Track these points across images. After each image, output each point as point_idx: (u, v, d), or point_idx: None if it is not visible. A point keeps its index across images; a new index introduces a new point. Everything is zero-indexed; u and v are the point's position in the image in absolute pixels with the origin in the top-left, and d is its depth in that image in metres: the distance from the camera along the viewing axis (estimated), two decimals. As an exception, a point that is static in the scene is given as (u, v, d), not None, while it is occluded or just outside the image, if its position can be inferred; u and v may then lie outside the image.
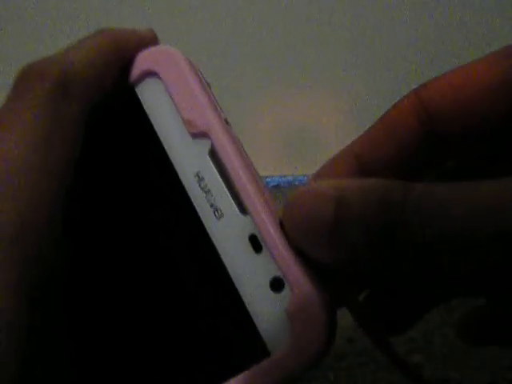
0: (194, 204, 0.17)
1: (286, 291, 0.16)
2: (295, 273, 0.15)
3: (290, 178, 0.57)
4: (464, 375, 0.26)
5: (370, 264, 0.14)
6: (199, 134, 0.17)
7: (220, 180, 0.16)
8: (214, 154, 0.16)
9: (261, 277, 0.16)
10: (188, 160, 0.17)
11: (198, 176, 0.17)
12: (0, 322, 0.13)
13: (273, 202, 0.17)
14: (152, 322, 0.17)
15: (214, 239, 0.16)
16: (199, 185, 0.17)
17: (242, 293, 0.16)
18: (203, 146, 0.17)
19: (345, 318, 0.31)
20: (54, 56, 0.16)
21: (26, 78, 0.16)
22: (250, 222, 0.16)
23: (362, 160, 0.17)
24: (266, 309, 0.16)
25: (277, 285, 0.16)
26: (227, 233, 0.16)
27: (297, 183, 0.56)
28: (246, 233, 0.16)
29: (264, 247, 0.16)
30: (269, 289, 0.16)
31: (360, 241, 0.14)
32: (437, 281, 0.14)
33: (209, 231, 0.16)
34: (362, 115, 0.47)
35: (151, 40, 0.18)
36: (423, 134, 0.17)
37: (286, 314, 0.15)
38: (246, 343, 0.16)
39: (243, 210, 0.16)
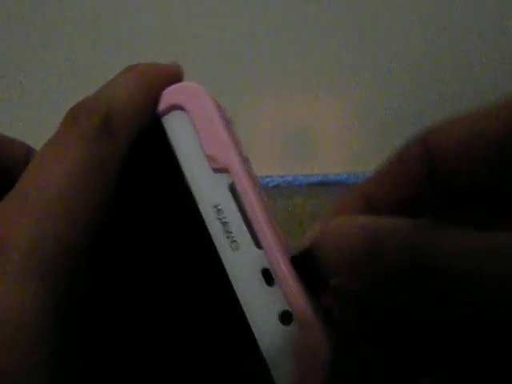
0: (212, 235, 0.17)
1: (293, 325, 0.17)
2: (304, 310, 0.16)
3: (289, 178, 0.57)
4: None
5: (394, 298, 0.15)
6: (220, 169, 0.18)
7: (238, 213, 0.17)
8: (233, 189, 0.17)
9: (271, 309, 0.17)
10: (208, 192, 0.18)
11: (217, 208, 0.18)
12: (32, 334, 0.14)
13: (284, 238, 0.18)
14: (166, 352, 0.18)
15: (228, 270, 0.17)
16: (217, 216, 0.17)
17: (252, 324, 0.17)
18: (224, 181, 0.18)
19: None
20: (97, 94, 0.17)
21: (75, 114, 0.17)
22: (263, 256, 0.17)
23: (370, 202, 0.18)
24: (274, 341, 0.17)
25: (286, 318, 0.17)
26: (242, 265, 0.17)
27: (297, 183, 0.56)
28: (260, 266, 0.17)
29: (276, 281, 0.17)
30: (278, 321, 0.17)
31: (389, 273, 0.15)
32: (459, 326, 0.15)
33: (224, 262, 0.17)
34: (362, 115, 0.47)
35: (178, 74, 0.19)
36: (429, 179, 0.18)
37: (292, 350, 0.16)
38: (255, 376, 0.17)
39: (258, 244, 0.17)
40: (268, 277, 0.17)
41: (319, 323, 0.16)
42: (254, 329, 0.17)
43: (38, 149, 0.17)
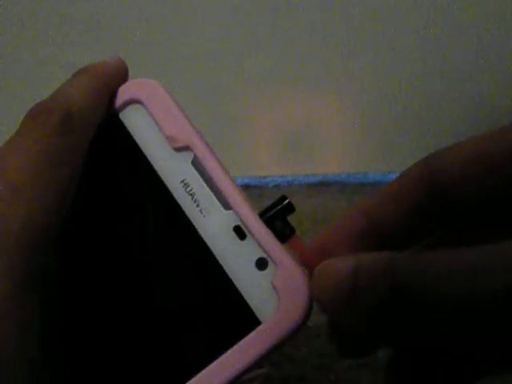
0: (183, 207, 0.19)
1: (270, 269, 0.19)
2: (278, 252, 0.19)
3: (289, 178, 0.57)
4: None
5: (381, 326, 0.16)
6: (182, 148, 0.20)
7: (203, 183, 0.19)
8: (195, 163, 0.20)
9: (247, 259, 0.19)
10: (173, 170, 0.20)
11: (184, 182, 0.19)
12: (8, 321, 0.15)
13: (248, 198, 0.20)
14: (150, 306, 0.19)
15: (202, 234, 0.19)
16: (185, 190, 0.19)
17: (231, 275, 0.19)
18: (186, 158, 0.20)
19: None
20: (54, 95, 0.19)
21: (35, 114, 0.18)
22: (233, 215, 0.19)
23: (371, 219, 0.20)
24: (253, 285, 0.19)
25: (262, 264, 0.19)
26: (214, 227, 0.19)
27: (297, 183, 0.56)
28: (231, 224, 0.19)
29: (248, 234, 0.19)
30: (255, 268, 0.19)
31: (372, 305, 0.16)
32: (439, 344, 0.16)
33: (197, 227, 0.19)
34: (362, 116, 0.48)
35: (124, 70, 0.21)
36: (431, 200, 0.19)
37: (272, 286, 0.18)
38: (239, 317, 0.19)
39: (226, 206, 0.19)
40: (239, 232, 0.19)
41: (294, 260, 0.19)
42: (233, 279, 0.19)
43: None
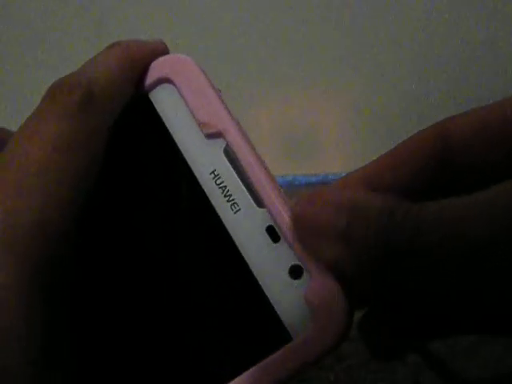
0: (211, 200, 0.17)
1: (304, 278, 0.17)
2: (314, 261, 0.16)
3: (289, 178, 0.57)
4: (463, 375, 0.26)
5: (372, 275, 0.15)
6: (214, 135, 0.18)
7: (236, 176, 0.17)
8: (228, 153, 0.17)
9: (279, 265, 0.17)
10: (203, 159, 0.18)
11: (214, 174, 0.17)
12: (16, 314, 0.14)
13: (285, 196, 0.18)
14: (177, 314, 0.18)
15: (231, 232, 0.17)
16: (215, 182, 0.17)
17: (261, 282, 0.17)
18: (218, 146, 0.18)
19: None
20: (79, 71, 0.17)
21: (56, 90, 0.16)
22: (266, 214, 0.17)
23: (371, 183, 0.18)
24: (285, 296, 0.17)
25: (296, 272, 0.17)
26: (245, 225, 0.17)
27: (296, 183, 0.56)
28: (264, 224, 0.17)
29: (281, 237, 0.17)
30: (288, 276, 0.17)
31: (365, 250, 0.14)
32: (432, 296, 0.15)
33: (226, 225, 0.17)
34: (361, 116, 0.47)
35: (162, 50, 0.19)
36: (440, 163, 0.18)
37: (304, 299, 0.16)
38: (269, 330, 0.17)
39: (259, 203, 0.17)
40: (273, 234, 0.17)
41: (331, 272, 0.16)
42: (263, 286, 0.17)
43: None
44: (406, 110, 0.47)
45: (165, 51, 0.19)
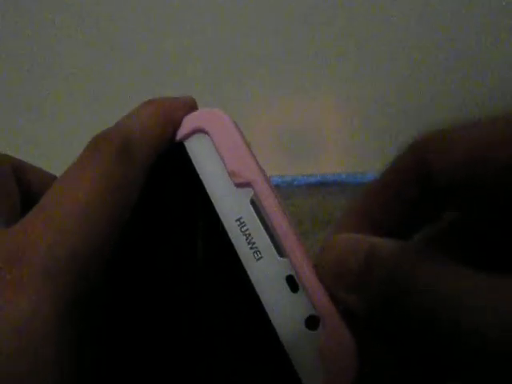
0: (236, 247, 0.18)
1: (320, 330, 0.17)
2: (330, 313, 0.17)
3: (289, 178, 0.57)
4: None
5: (381, 316, 0.16)
6: (242, 184, 0.19)
7: (260, 225, 0.18)
8: (255, 202, 0.19)
9: (297, 315, 0.18)
10: (231, 207, 0.19)
11: (240, 221, 0.18)
12: (55, 345, 0.15)
13: (304, 246, 0.18)
14: (196, 358, 0.18)
15: (252, 278, 0.18)
16: (240, 229, 0.18)
17: (278, 330, 0.18)
18: (245, 195, 0.19)
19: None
20: (117, 125, 0.19)
21: (95, 142, 0.18)
22: (287, 263, 0.18)
23: (370, 216, 0.19)
24: (300, 345, 0.17)
25: (312, 323, 0.17)
26: (266, 273, 0.18)
27: (296, 183, 0.56)
28: (284, 273, 0.18)
29: (300, 287, 0.18)
30: (304, 326, 0.17)
31: (377, 292, 0.16)
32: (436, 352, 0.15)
33: (248, 271, 0.18)
34: (361, 116, 0.48)
35: (192, 105, 0.21)
36: (424, 191, 0.19)
37: (319, 351, 0.17)
38: (283, 378, 0.17)
39: (281, 252, 0.18)
40: (292, 283, 0.18)
41: (345, 325, 0.17)
42: (280, 335, 0.17)
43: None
44: (404, 110, 0.47)
45: (194, 106, 0.20)
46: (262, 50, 0.46)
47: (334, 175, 0.55)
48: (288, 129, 0.48)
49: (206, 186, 0.19)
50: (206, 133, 0.19)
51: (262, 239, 0.18)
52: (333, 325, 0.17)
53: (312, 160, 0.50)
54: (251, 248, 0.18)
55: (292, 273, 0.18)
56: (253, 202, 0.18)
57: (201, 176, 0.19)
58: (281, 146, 0.49)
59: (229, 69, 0.47)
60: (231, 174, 0.19)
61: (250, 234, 0.18)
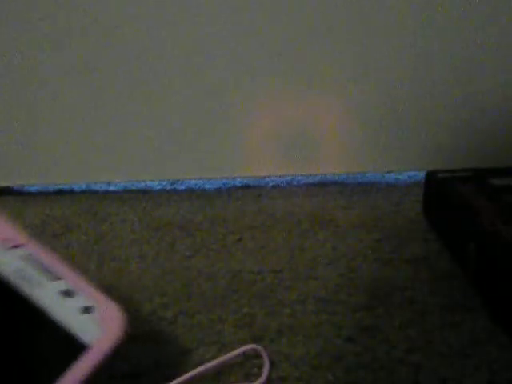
0: (18, 287, 0.25)
1: (94, 313, 0.25)
2: (101, 299, 0.25)
3: (289, 178, 0.57)
4: (463, 375, 0.27)
5: None
6: (14, 246, 0.26)
7: (36, 268, 0.26)
8: (29, 256, 0.26)
9: (75, 308, 0.25)
10: (7, 262, 0.26)
11: (18, 269, 0.26)
12: None
13: (74, 269, 0.26)
14: None
15: (38, 301, 0.25)
16: (19, 275, 0.26)
17: (64, 325, 0.25)
18: (19, 252, 0.26)
19: (343, 317, 0.31)
20: None
21: None
22: (62, 282, 0.26)
23: None
24: (82, 325, 0.25)
25: (87, 311, 0.25)
26: (46, 293, 0.25)
27: (296, 183, 0.56)
28: (59, 288, 0.25)
29: (75, 292, 0.25)
30: (81, 314, 0.25)
31: None
32: None
33: (33, 298, 0.25)
34: (360, 116, 0.48)
35: None
36: None
37: (94, 317, 0.25)
38: (70, 347, 0.24)
39: (54, 276, 0.26)
40: (67, 293, 0.25)
41: (113, 303, 0.25)
42: (60, 322, 0.25)
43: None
44: (404, 110, 0.47)
45: None
46: (262, 51, 0.47)
47: (333, 175, 0.55)
48: (288, 129, 0.48)
49: None
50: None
51: (37, 273, 0.26)
52: (104, 305, 0.25)
53: (312, 160, 0.50)
54: (30, 283, 0.25)
55: (66, 287, 0.25)
56: (28, 256, 0.26)
57: None
58: (281, 147, 0.49)
59: (229, 70, 0.47)
60: (1, 241, 0.26)
61: (26, 275, 0.26)
